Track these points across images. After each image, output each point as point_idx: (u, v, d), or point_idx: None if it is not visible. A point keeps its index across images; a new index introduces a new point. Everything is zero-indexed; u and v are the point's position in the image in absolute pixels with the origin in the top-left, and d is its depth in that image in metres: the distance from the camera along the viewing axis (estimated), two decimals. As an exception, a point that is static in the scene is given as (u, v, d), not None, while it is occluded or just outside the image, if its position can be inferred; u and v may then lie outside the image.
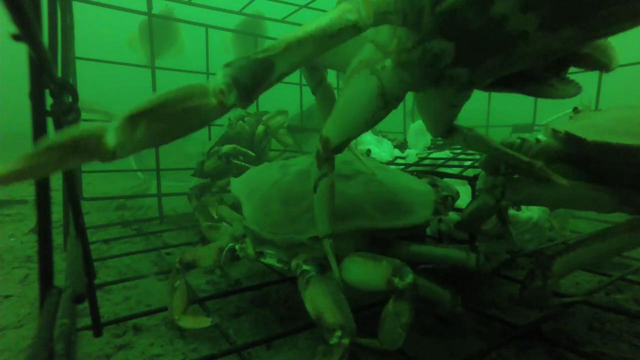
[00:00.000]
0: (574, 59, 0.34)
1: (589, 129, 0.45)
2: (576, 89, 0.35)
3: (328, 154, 0.39)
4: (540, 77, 0.35)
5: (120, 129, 0.24)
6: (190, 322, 0.53)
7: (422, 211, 0.50)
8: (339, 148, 0.39)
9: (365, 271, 0.43)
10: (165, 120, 0.25)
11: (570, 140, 0.46)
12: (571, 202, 0.48)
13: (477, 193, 0.54)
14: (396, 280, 0.39)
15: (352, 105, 0.37)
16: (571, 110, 0.60)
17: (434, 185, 0.58)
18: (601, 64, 0.34)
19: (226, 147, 0.98)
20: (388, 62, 0.34)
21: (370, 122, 0.36)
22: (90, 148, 0.23)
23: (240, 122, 1.13)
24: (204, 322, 0.52)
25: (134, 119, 0.24)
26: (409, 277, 0.38)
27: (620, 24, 0.27)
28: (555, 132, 0.49)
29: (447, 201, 0.53)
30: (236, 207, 0.68)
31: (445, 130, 0.45)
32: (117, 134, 0.24)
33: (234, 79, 0.27)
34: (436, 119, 0.44)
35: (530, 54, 0.29)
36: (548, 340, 0.51)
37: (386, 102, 0.35)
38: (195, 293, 0.65)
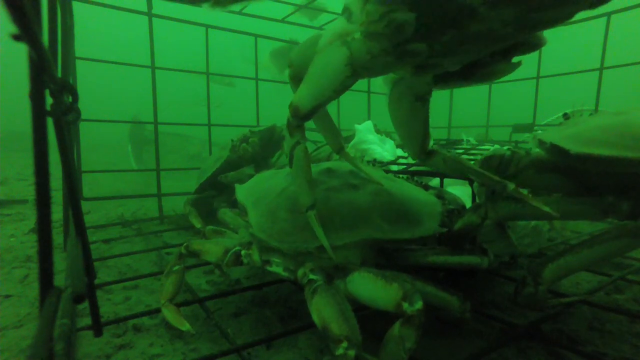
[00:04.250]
0: (516, 47, 0.40)
1: (574, 138, 0.46)
2: (514, 66, 0.42)
3: (298, 121, 0.42)
4: (487, 63, 0.41)
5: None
6: (171, 315, 0.54)
7: (429, 223, 0.50)
8: (308, 115, 0.41)
9: (374, 289, 0.43)
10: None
11: (556, 150, 0.46)
12: (550, 214, 0.49)
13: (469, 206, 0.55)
14: (405, 305, 0.38)
15: (322, 73, 0.40)
16: (570, 111, 0.61)
17: (440, 197, 0.58)
18: (534, 45, 0.40)
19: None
20: (357, 34, 0.38)
21: (338, 89, 0.39)
22: None
23: (244, 144, 1.12)
24: (183, 324, 0.52)
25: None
26: (418, 304, 0.38)
27: (553, 11, 0.32)
28: (541, 142, 0.49)
29: (453, 214, 0.53)
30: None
31: (424, 150, 0.48)
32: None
33: None
34: (411, 127, 0.47)
35: (479, 36, 0.34)
36: (548, 340, 0.51)
37: (354, 71, 0.38)
38: (195, 293, 0.65)
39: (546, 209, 0.44)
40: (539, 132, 0.52)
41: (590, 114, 0.57)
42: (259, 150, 1.16)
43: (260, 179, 0.65)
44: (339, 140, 0.55)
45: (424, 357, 0.49)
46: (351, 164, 0.56)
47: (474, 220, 0.50)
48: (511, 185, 0.45)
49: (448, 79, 0.44)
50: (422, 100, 0.45)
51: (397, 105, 0.47)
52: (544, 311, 0.57)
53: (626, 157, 0.41)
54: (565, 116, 0.58)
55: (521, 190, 0.46)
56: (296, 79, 0.51)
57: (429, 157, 0.49)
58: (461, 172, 0.49)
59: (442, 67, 0.40)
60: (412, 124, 0.47)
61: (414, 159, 0.51)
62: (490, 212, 0.49)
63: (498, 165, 0.51)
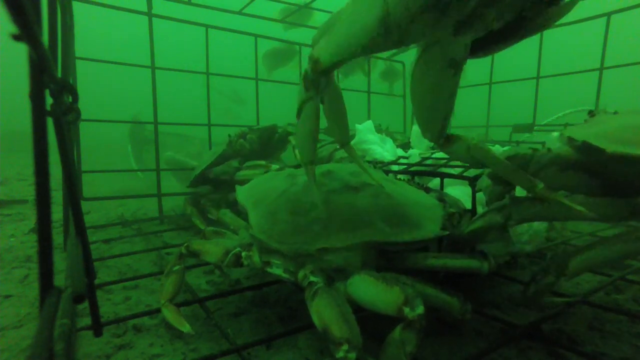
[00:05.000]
0: None
1: (606, 137, 0.44)
2: (566, 9, 0.36)
3: (316, 76, 0.39)
4: (534, 13, 0.35)
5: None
6: (172, 315, 0.54)
7: (430, 225, 0.50)
8: (328, 70, 0.38)
9: (375, 293, 0.42)
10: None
11: (587, 149, 0.45)
12: (578, 215, 0.47)
13: (484, 208, 0.54)
14: (406, 310, 0.38)
15: (351, 24, 0.35)
16: (570, 111, 0.60)
17: (441, 200, 0.58)
18: None
19: (276, 167, 0.96)
20: None
21: (367, 46, 0.35)
22: None
23: (241, 140, 1.12)
24: (183, 325, 0.52)
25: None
26: (420, 309, 0.38)
27: None
28: (571, 140, 0.48)
29: (453, 217, 0.53)
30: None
31: (443, 133, 0.43)
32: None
33: None
34: (435, 102, 0.41)
35: None
36: (548, 340, 0.51)
37: (387, 29, 0.34)
38: (195, 293, 0.65)
39: (580, 208, 0.42)
40: (569, 128, 0.51)
41: (615, 112, 0.56)
42: (258, 149, 1.15)
43: (260, 180, 0.65)
44: (345, 134, 0.54)
45: (424, 357, 0.49)
46: (353, 159, 0.55)
47: (498, 220, 0.49)
48: (540, 185, 0.42)
49: (489, 43, 0.39)
50: (456, 67, 0.40)
51: (424, 74, 0.41)
52: (544, 311, 0.57)
53: None
54: (591, 114, 0.57)
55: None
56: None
57: (449, 143, 0.43)
58: (486, 164, 0.44)
59: (486, 23, 0.35)
60: (437, 97, 0.41)
61: (431, 140, 0.44)
62: (514, 213, 0.49)
63: (520, 164, 0.50)
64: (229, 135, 1.13)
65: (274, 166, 0.97)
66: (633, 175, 0.45)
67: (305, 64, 0.42)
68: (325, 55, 0.37)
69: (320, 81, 0.40)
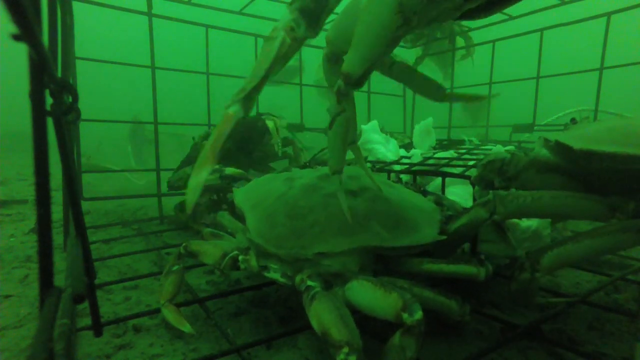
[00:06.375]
0: None
1: (579, 138, 0.46)
2: None
3: (349, 88, 0.39)
4: None
5: (243, 103, 0.39)
6: (172, 315, 0.54)
7: (428, 230, 0.49)
8: (361, 80, 0.39)
9: (373, 298, 0.42)
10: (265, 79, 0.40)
11: (560, 148, 0.46)
12: (562, 212, 0.49)
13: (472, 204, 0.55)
14: (405, 315, 0.38)
15: (371, 30, 0.36)
16: (570, 111, 0.61)
17: (439, 203, 0.58)
18: None
19: (231, 170, 0.91)
20: None
21: (390, 43, 0.36)
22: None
23: (204, 142, 1.08)
24: (184, 325, 0.52)
25: (250, 96, 0.40)
26: (418, 314, 0.38)
27: None
28: (546, 141, 0.49)
29: (451, 221, 0.53)
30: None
31: (367, 72, 0.42)
32: (242, 106, 0.40)
33: (300, 10, 0.37)
34: (370, 44, 0.40)
35: None
36: (548, 340, 0.51)
37: (405, 18, 0.35)
38: (195, 293, 0.65)
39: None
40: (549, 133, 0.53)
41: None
42: (233, 147, 1.09)
43: (257, 183, 0.65)
44: (353, 133, 0.54)
45: (424, 357, 0.49)
46: (357, 160, 0.55)
47: (482, 214, 0.49)
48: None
49: (490, 5, 0.40)
50: (404, 17, 0.38)
51: (371, 11, 0.39)
52: (544, 311, 0.57)
53: (630, 153, 0.41)
54: (573, 121, 0.58)
55: (521, 191, 0.45)
56: (333, 58, 0.50)
57: (364, 78, 0.43)
58: (405, 83, 0.47)
59: None
60: (375, 41, 0.40)
61: (353, 75, 0.43)
62: (498, 206, 0.49)
63: (500, 167, 0.51)
64: (193, 138, 1.10)
65: (228, 170, 0.89)
66: (603, 172, 0.46)
67: (304, 63, 0.43)
68: (354, 66, 0.38)
69: (352, 93, 0.41)
